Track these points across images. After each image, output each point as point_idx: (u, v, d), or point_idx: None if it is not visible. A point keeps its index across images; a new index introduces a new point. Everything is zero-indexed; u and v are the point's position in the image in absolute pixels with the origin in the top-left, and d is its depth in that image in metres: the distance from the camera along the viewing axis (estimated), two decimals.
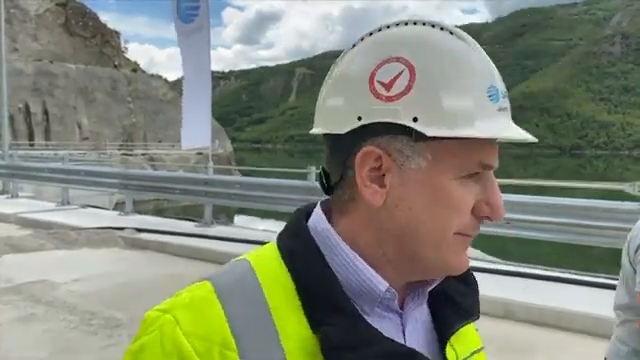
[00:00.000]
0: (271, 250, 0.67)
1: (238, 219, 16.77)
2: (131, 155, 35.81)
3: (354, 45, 0.66)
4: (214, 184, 9.08)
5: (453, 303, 0.72)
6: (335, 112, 0.64)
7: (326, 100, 0.66)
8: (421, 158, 0.61)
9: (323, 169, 0.69)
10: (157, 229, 8.66)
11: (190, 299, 0.61)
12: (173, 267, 6.93)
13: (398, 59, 0.60)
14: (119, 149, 40.66)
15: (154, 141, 49.85)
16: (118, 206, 14.82)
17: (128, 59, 67.63)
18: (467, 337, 0.75)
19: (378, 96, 0.60)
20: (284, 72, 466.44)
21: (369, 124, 0.60)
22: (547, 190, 9.97)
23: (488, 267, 6.44)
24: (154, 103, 55.37)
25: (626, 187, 5.92)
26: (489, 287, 5.63)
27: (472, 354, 0.75)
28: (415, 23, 0.64)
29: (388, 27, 0.64)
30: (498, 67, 0.65)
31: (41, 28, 56.04)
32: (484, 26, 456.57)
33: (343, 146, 0.64)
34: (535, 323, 4.88)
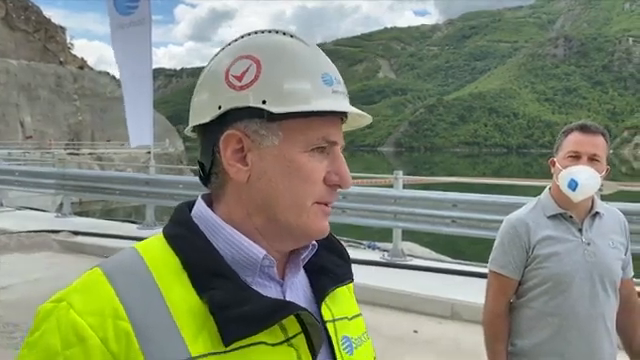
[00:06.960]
0: (157, 238, 0.74)
1: None
2: (78, 154, 34.51)
3: (220, 51, 0.77)
4: (156, 184, 8.68)
5: (328, 272, 0.82)
6: (200, 106, 0.74)
7: (194, 98, 0.76)
8: (274, 136, 0.71)
9: (199, 161, 0.77)
10: (95, 232, 8.22)
11: (81, 284, 0.68)
12: None
13: (247, 57, 0.72)
14: (65, 148, 39.11)
15: (102, 140, 48.14)
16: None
17: (75, 55, 65.29)
18: (343, 302, 0.84)
19: (232, 87, 0.71)
20: None
21: (228, 111, 0.71)
22: (496, 188, 10.08)
23: (434, 266, 6.39)
24: (102, 101, 53.45)
25: None
26: (435, 287, 5.56)
27: (351, 318, 0.84)
28: (263, 32, 0.76)
29: (243, 36, 0.76)
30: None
31: None
32: (435, 27, 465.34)
33: (210, 135, 0.74)
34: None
